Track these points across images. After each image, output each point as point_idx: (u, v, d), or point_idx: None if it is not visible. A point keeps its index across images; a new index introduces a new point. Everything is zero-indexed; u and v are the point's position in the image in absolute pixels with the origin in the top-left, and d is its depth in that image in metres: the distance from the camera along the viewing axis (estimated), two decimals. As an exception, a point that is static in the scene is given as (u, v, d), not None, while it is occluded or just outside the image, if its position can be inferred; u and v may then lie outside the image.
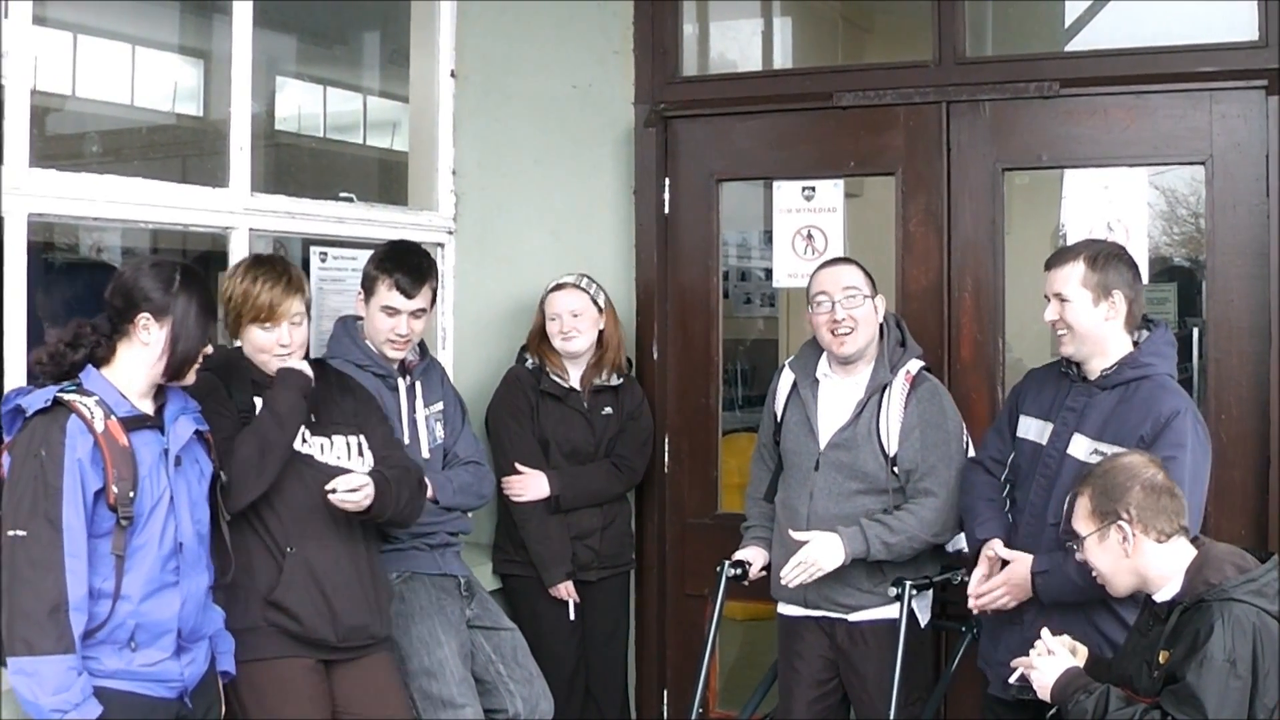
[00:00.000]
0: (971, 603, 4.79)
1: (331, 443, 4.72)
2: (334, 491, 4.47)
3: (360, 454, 4.76)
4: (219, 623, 4.40)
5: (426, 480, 5.00)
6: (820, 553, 4.98)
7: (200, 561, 4.23)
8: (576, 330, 5.84)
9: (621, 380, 6.02)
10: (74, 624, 3.80)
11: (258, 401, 4.62)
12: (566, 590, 5.78)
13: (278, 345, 4.62)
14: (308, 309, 4.74)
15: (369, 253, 5.48)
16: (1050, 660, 4.03)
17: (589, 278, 5.97)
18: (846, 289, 5.12)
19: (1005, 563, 4.68)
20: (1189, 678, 3.66)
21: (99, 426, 3.89)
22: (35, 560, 3.78)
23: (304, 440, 4.65)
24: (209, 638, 4.32)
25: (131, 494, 3.91)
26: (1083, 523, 3.99)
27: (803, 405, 5.25)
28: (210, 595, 4.32)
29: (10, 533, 3.82)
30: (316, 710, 4.62)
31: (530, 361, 5.92)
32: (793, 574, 5.00)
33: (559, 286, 5.91)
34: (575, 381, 5.91)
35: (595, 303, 5.91)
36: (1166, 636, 3.84)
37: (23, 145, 4.54)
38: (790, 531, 5.07)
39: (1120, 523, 3.90)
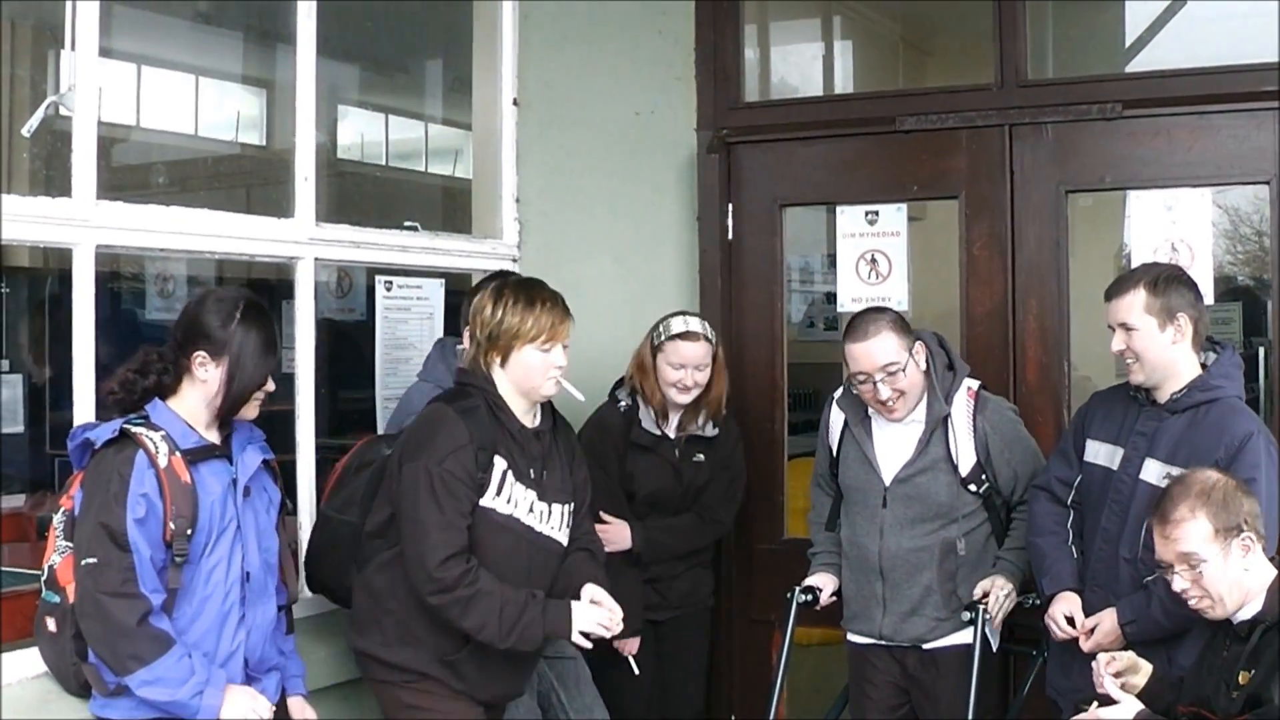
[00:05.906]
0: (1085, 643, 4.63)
1: (550, 512, 4.58)
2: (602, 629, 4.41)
3: (566, 525, 4.62)
4: (289, 650, 4.43)
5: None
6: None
7: (267, 591, 4.26)
8: (698, 385, 5.54)
9: (718, 430, 5.78)
10: (160, 623, 3.88)
11: (498, 461, 4.45)
12: (629, 647, 5.47)
13: (553, 367, 4.50)
14: None
15: (435, 281, 5.46)
16: (1114, 710, 3.91)
17: (707, 324, 5.65)
18: (885, 367, 4.94)
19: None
20: (1277, 700, 3.64)
21: (162, 462, 3.92)
22: (112, 581, 3.83)
23: (530, 508, 4.52)
24: (278, 668, 4.34)
25: (189, 531, 3.95)
26: (1204, 545, 3.88)
27: (858, 443, 5.19)
28: (279, 624, 4.35)
29: (84, 562, 3.87)
30: None
31: (624, 403, 5.68)
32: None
33: (687, 334, 5.52)
34: (671, 429, 5.67)
35: (715, 356, 5.61)
36: (1247, 656, 3.81)
37: (90, 177, 4.58)
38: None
39: (1245, 535, 3.87)
